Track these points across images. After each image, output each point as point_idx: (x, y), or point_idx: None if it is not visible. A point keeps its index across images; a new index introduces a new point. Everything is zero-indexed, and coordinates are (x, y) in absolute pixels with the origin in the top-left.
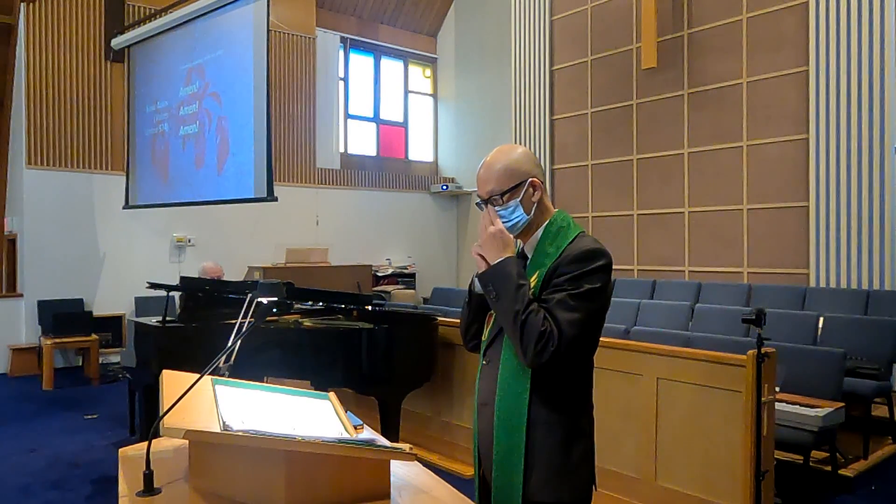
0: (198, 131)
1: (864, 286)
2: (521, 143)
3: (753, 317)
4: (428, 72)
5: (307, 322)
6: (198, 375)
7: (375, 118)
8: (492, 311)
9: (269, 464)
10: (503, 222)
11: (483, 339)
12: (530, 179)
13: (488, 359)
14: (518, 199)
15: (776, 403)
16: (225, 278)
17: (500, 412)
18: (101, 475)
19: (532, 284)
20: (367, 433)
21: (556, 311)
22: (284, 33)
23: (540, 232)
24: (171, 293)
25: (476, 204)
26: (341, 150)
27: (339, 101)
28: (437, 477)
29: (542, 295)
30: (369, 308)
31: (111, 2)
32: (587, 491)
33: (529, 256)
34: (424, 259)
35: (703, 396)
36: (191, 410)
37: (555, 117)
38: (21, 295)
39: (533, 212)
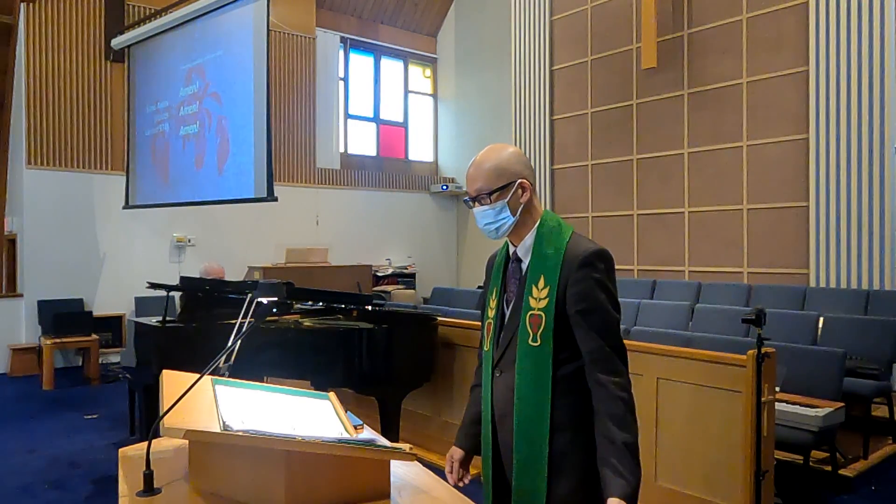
0: (198, 131)
1: (864, 286)
2: (520, 143)
3: (753, 317)
4: (428, 72)
5: (307, 322)
6: (198, 375)
7: (375, 118)
8: (490, 320)
9: (269, 464)
10: (489, 223)
11: (486, 349)
12: (520, 180)
13: (501, 370)
14: (505, 200)
15: (776, 403)
16: (225, 278)
17: (520, 422)
18: (101, 475)
19: (544, 295)
20: (367, 433)
21: (601, 337)
22: (284, 33)
23: (532, 234)
24: (172, 293)
25: (464, 201)
26: (341, 150)
27: (339, 101)
28: (437, 477)
29: (569, 307)
30: (369, 308)
31: (111, 2)
32: None
33: (525, 260)
34: (424, 259)
35: (703, 396)
36: (191, 410)
37: (555, 117)
38: (21, 295)
39: (520, 213)
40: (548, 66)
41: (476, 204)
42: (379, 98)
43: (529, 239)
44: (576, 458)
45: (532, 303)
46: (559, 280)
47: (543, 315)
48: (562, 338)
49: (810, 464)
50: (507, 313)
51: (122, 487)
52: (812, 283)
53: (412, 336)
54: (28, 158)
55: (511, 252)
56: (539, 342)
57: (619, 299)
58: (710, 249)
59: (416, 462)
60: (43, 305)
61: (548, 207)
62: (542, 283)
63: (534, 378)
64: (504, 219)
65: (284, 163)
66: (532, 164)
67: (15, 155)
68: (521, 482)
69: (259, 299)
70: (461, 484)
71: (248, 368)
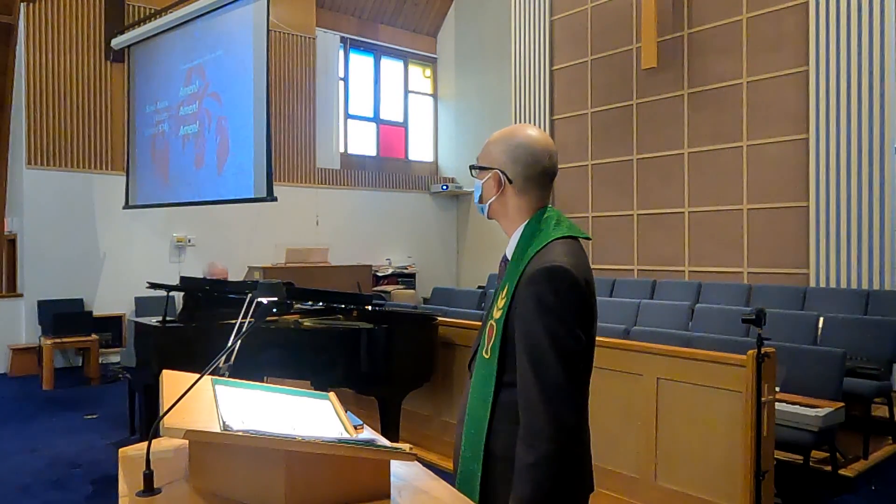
0: (198, 131)
1: (864, 286)
2: None
3: (753, 317)
4: (428, 72)
5: (307, 322)
6: (198, 375)
7: (375, 118)
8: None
9: (269, 464)
10: (476, 195)
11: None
12: (494, 171)
13: (470, 373)
14: (481, 182)
15: (776, 403)
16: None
17: (467, 435)
18: (101, 475)
19: (502, 304)
20: (367, 433)
21: (534, 374)
22: (284, 33)
23: (518, 233)
24: (172, 293)
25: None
26: (341, 150)
27: (339, 101)
28: (437, 477)
29: (510, 323)
30: (369, 308)
31: (111, 2)
32: None
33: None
34: (424, 259)
35: (703, 396)
36: (191, 410)
37: (555, 117)
38: (21, 295)
39: (490, 205)
40: (548, 66)
41: None
42: (379, 98)
43: (514, 239)
44: (505, 491)
45: (494, 311)
46: (514, 293)
47: (495, 326)
48: (506, 358)
49: (810, 464)
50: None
51: (122, 487)
52: (812, 283)
53: (412, 336)
54: (28, 158)
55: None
56: (489, 355)
57: (619, 299)
58: (710, 249)
59: (416, 462)
60: (43, 305)
61: None
62: (505, 291)
63: (480, 393)
64: (478, 198)
65: (284, 163)
66: None
67: (15, 155)
68: (461, 492)
69: (259, 299)
70: None
71: (248, 368)
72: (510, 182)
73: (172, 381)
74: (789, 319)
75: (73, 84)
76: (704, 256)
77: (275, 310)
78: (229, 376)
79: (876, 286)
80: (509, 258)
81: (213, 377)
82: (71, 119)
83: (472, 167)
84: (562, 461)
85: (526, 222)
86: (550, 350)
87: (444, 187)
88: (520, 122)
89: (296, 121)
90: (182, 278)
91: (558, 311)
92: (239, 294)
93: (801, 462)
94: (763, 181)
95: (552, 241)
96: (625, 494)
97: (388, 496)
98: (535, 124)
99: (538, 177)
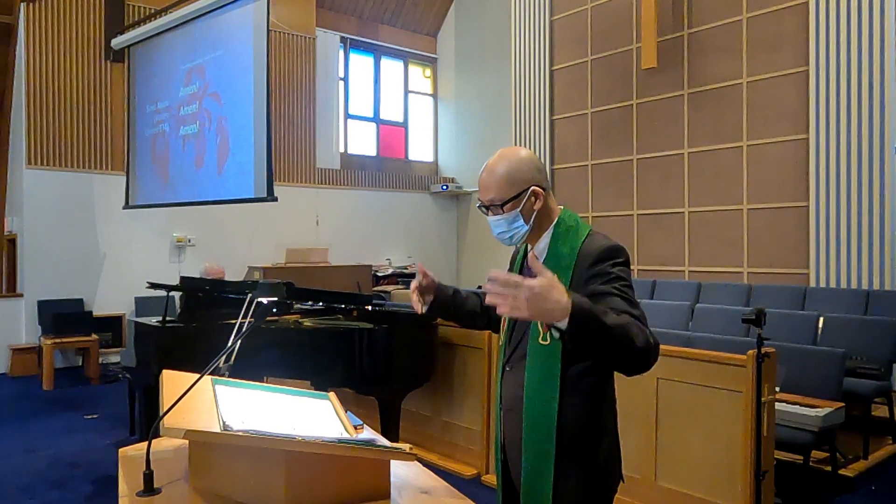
0: (198, 131)
1: (864, 286)
2: (521, 144)
3: (753, 317)
4: (428, 72)
5: (307, 322)
6: (198, 375)
7: (375, 118)
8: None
9: (269, 464)
10: (502, 232)
11: (500, 342)
12: (531, 188)
13: (511, 365)
14: (518, 209)
15: (776, 403)
16: (225, 278)
17: (529, 419)
18: (101, 475)
19: None
20: (367, 433)
21: (629, 311)
22: (284, 33)
23: (548, 234)
24: (172, 293)
25: (477, 206)
26: (341, 150)
27: (339, 101)
28: (437, 477)
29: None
30: (369, 308)
31: (111, 2)
32: (615, 487)
33: (540, 259)
34: (424, 259)
35: (703, 396)
36: (191, 410)
37: (555, 117)
38: (21, 295)
39: (533, 219)
40: (548, 66)
41: (489, 212)
42: (379, 98)
43: (545, 240)
44: (581, 457)
45: None
46: (571, 279)
47: None
48: None
49: (810, 464)
50: None
51: (122, 487)
52: (812, 283)
53: (412, 336)
54: (28, 158)
55: (528, 251)
56: (549, 341)
57: None
58: (710, 249)
59: (416, 462)
60: (43, 305)
61: None
62: None
63: (543, 376)
64: (517, 227)
65: (284, 163)
66: None
67: (15, 155)
68: (529, 479)
69: (259, 299)
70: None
71: (248, 368)
72: (545, 189)
73: (172, 381)
74: (789, 319)
75: (73, 84)
76: (704, 256)
77: (275, 310)
78: (229, 376)
79: (876, 286)
80: (539, 258)
81: (213, 377)
82: (71, 119)
83: (501, 205)
84: (648, 353)
85: (555, 223)
86: (632, 304)
87: (444, 187)
88: (519, 122)
89: (296, 121)
90: (182, 278)
91: (627, 279)
92: (239, 294)
93: (801, 462)
94: (763, 181)
95: (590, 232)
96: (625, 494)
97: (388, 496)
98: (535, 124)
99: (548, 180)
